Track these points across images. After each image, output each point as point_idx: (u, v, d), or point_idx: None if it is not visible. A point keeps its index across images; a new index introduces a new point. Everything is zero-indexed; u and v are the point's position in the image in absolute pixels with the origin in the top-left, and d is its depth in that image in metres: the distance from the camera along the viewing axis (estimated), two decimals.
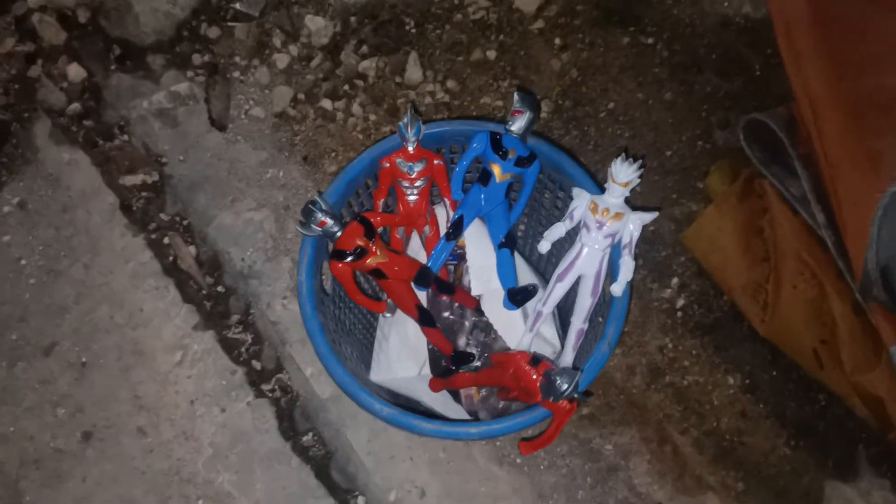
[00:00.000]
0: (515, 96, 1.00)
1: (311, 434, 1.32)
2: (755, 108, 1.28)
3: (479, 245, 1.07)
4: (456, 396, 1.16)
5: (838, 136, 1.10)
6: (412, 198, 1.04)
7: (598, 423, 1.30)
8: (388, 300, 1.07)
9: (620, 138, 1.48)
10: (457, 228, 1.01)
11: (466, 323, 1.14)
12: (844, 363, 1.18)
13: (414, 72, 1.53)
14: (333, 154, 1.49)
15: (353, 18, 1.59)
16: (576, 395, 0.85)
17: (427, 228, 1.07)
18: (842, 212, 1.11)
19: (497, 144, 0.99)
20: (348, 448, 1.30)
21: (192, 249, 1.44)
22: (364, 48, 1.56)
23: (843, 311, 1.17)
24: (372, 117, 1.51)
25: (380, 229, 1.01)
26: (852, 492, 1.25)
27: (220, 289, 1.42)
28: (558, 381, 0.84)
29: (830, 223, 1.16)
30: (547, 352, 1.07)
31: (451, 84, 1.53)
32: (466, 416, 1.14)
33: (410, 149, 1.01)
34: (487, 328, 1.13)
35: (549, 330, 1.08)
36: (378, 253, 0.96)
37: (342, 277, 0.97)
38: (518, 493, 1.26)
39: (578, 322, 0.98)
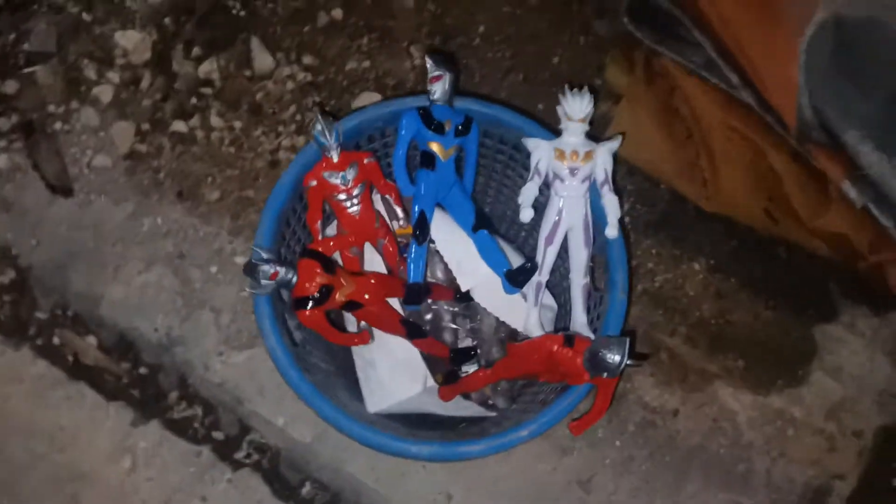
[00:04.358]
0: (428, 61, 0.89)
1: (308, 483, 1.19)
2: None
3: (449, 236, 0.95)
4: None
5: None
6: (354, 209, 0.90)
7: None
8: (368, 326, 0.94)
9: (503, 60, 1.37)
10: (422, 227, 0.88)
11: (446, 317, 1.03)
12: (799, 211, 1.18)
13: (262, 59, 1.34)
14: (210, 179, 1.30)
15: (167, 20, 1.37)
16: (630, 362, 0.77)
17: (382, 240, 0.94)
18: (755, 67, 1.08)
19: (429, 119, 0.88)
20: (354, 482, 1.19)
21: (91, 340, 1.23)
22: (196, 49, 1.35)
23: (783, 162, 1.15)
24: (237, 124, 1.32)
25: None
26: (838, 329, 1.27)
27: (142, 371, 1.23)
28: (609, 356, 0.76)
29: (745, 82, 1.12)
30: (548, 317, 0.98)
31: (307, 60, 1.35)
32: (480, 411, 1.04)
33: (335, 157, 0.87)
34: (472, 312, 1.03)
35: (545, 296, 0.99)
36: (345, 283, 0.84)
37: (317, 325, 0.85)
38: (539, 457, 1.20)
39: (579, 278, 0.90)
